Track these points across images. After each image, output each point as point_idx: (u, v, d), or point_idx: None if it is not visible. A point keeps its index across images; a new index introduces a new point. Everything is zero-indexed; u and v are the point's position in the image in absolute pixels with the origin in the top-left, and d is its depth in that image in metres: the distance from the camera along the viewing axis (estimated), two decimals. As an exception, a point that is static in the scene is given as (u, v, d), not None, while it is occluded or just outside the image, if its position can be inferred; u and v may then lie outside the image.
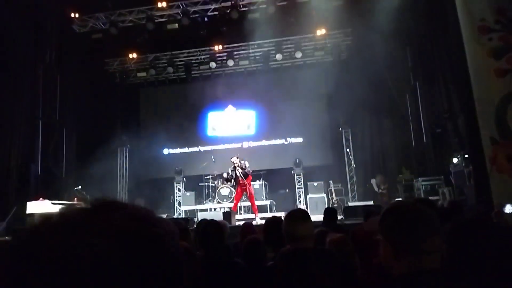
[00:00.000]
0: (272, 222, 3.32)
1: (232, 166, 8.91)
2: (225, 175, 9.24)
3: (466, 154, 7.46)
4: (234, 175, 8.85)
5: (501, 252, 1.48)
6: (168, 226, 0.50)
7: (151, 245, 0.45)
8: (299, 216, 2.42)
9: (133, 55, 12.13)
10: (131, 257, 0.41)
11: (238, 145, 12.11)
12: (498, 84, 6.52)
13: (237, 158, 8.97)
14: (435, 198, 7.99)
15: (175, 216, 10.44)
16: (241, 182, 8.71)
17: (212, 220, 2.93)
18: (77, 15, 10.90)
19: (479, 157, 6.54)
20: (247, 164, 8.93)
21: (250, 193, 8.88)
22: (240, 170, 8.73)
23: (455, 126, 8.41)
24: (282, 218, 3.36)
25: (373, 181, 10.65)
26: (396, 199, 8.47)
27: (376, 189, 10.35)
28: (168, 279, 0.45)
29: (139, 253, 0.42)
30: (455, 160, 8.04)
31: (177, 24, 10.98)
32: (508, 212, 2.87)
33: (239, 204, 9.67)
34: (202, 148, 12.50)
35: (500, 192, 5.96)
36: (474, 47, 6.73)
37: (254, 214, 8.83)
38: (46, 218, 0.44)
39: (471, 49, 6.77)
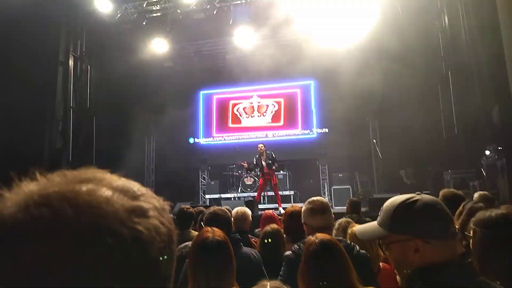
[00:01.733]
0: (292, 212, 3.30)
1: (258, 155, 8.94)
2: (252, 162, 9.18)
3: (499, 146, 7.14)
4: (259, 163, 8.87)
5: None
6: (155, 200, 0.47)
7: (134, 219, 0.42)
8: (317, 207, 2.39)
9: (161, 45, 12.24)
10: (109, 232, 0.39)
11: (263, 135, 12.10)
12: (536, 73, 6.18)
13: (264, 146, 8.98)
14: (465, 191, 7.71)
15: (199, 204, 10.60)
16: (265, 171, 8.73)
17: (220, 208, 2.94)
18: (107, 5, 11.09)
19: (514, 149, 6.25)
20: (273, 155, 8.93)
21: (275, 183, 8.88)
22: (265, 160, 8.74)
23: (488, 116, 8.05)
24: (302, 208, 3.34)
25: (402, 172, 10.39)
26: (424, 192, 8.25)
27: (405, 179, 10.10)
28: (151, 257, 0.42)
29: (118, 227, 0.40)
30: (487, 152, 7.71)
31: (203, 14, 11.01)
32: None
33: (262, 194, 9.70)
34: (227, 137, 12.56)
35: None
36: None
37: (277, 204, 8.85)
38: None
39: (508, 36, 6.43)
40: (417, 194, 1.20)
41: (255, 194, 9.60)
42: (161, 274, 0.44)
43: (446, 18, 10.15)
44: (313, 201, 2.46)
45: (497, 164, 7.17)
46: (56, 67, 10.10)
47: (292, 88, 12.63)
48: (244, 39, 11.53)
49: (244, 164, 9.38)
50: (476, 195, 3.92)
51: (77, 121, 11.04)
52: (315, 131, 12.11)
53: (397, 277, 1.21)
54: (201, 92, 13.29)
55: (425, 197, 1.18)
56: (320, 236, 1.79)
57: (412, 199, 1.16)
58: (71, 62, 10.92)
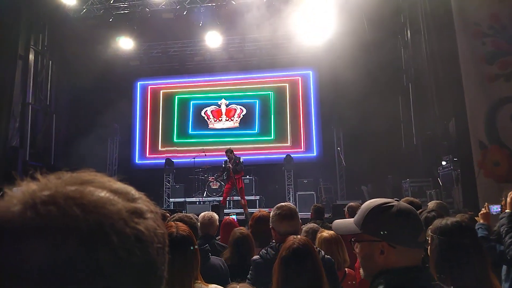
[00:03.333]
0: (259, 217, 3.32)
1: (225, 160, 8.95)
2: (223, 164, 9.17)
3: (455, 157, 7.54)
4: (226, 168, 8.88)
5: (480, 252, 1.52)
6: (150, 203, 0.49)
7: (133, 220, 0.43)
8: (286, 213, 2.42)
9: (127, 43, 11.98)
10: (112, 232, 0.41)
11: (229, 139, 12.10)
12: (489, 89, 6.59)
13: (231, 153, 8.98)
14: (422, 199, 8.07)
15: (163, 208, 10.40)
16: (232, 176, 8.74)
17: (186, 214, 2.92)
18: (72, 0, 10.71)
19: (468, 160, 6.61)
20: (240, 160, 8.97)
21: (240, 187, 8.90)
22: (232, 166, 8.74)
23: (445, 129, 8.48)
24: (268, 213, 3.37)
25: (364, 188, 10.68)
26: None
27: (366, 197, 10.35)
28: (149, 257, 0.44)
29: (120, 228, 0.42)
30: (443, 162, 8.12)
31: (172, 14, 10.89)
32: (494, 214, 2.91)
33: (228, 199, 9.68)
34: (194, 141, 12.45)
35: (487, 196, 6.04)
36: (468, 51, 6.79)
37: (243, 209, 8.86)
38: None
39: (464, 52, 6.82)
40: (396, 200, 1.25)
41: (221, 198, 9.56)
42: (157, 274, 0.45)
43: (409, 33, 10.63)
44: (282, 206, 2.48)
45: (452, 174, 7.57)
46: (14, 60, 9.60)
47: (252, 98, 12.72)
48: (213, 41, 11.52)
49: (212, 178, 9.43)
50: (431, 204, 4.11)
51: (35, 118, 10.54)
52: (281, 137, 12.27)
53: (361, 270, 1.28)
54: (161, 91, 13.13)
55: (402, 204, 1.22)
56: (299, 238, 1.83)
57: (388, 204, 1.22)
58: (31, 57, 10.43)
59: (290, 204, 2.59)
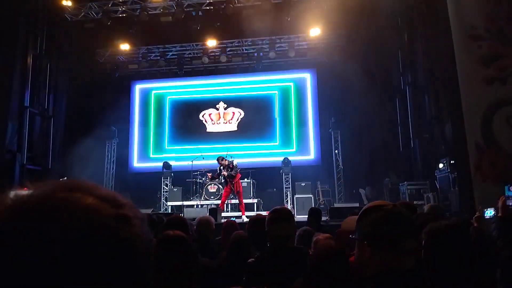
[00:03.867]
0: (256, 220, 3.32)
1: (219, 167, 8.96)
2: (214, 173, 9.22)
3: (452, 160, 7.55)
4: (221, 173, 8.91)
5: (474, 255, 1.51)
6: (136, 210, 0.49)
7: (119, 226, 0.44)
8: (282, 216, 2.42)
9: (125, 47, 12.00)
10: (99, 238, 0.42)
11: (227, 143, 12.09)
12: (486, 92, 6.61)
13: (223, 159, 8.97)
14: (419, 202, 8.08)
15: (161, 212, 10.39)
16: (228, 181, 8.77)
17: (178, 216, 2.93)
18: (69, 3, 10.71)
19: (464, 163, 6.62)
20: (235, 163, 8.95)
21: (238, 192, 8.90)
22: (225, 173, 8.74)
23: (442, 131, 8.51)
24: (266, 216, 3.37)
25: (362, 191, 10.68)
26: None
27: (364, 200, 10.35)
28: (135, 263, 0.44)
29: (107, 234, 0.43)
30: (440, 165, 8.14)
31: (171, 17, 10.91)
32: (487, 217, 2.91)
33: (226, 202, 9.67)
34: (192, 144, 12.44)
35: (483, 198, 6.05)
36: (464, 54, 6.82)
37: (240, 212, 8.85)
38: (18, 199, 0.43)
39: (461, 55, 6.85)
40: (393, 204, 1.25)
41: (219, 202, 9.55)
42: (145, 280, 0.46)
43: (406, 35, 10.67)
44: (277, 210, 2.49)
45: (449, 177, 7.58)
46: (12, 64, 9.60)
47: (250, 101, 12.71)
48: (211, 45, 11.55)
49: (209, 174, 9.41)
50: (427, 207, 4.13)
51: (33, 122, 10.52)
52: (279, 140, 12.28)
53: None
54: (159, 94, 13.12)
55: (393, 209, 1.23)
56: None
57: (379, 206, 1.23)
58: (29, 60, 10.42)
59: (285, 207, 2.60)
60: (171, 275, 1.65)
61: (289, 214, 2.48)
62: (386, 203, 1.25)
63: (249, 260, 2.37)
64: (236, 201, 9.46)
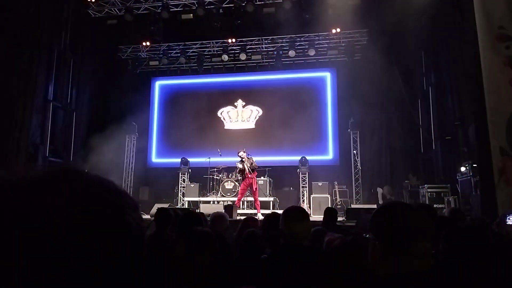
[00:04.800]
0: (271, 218, 3.30)
1: (240, 160, 8.97)
2: (239, 165, 9.11)
3: (474, 164, 7.34)
4: (242, 168, 8.92)
5: (491, 260, 1.46)
6: (130, 198, 0.49)
7: (110, 214, 0.44)
8: (295, 216, 2.35)
9: (147, 43, 12.16)
10: (90, 225, 0.41)
11: (245, 140, 12.10)
12: (512, 95, 6.40)
13: (244, 152, 9.02)
14: (439, 206, 7.90)
15: (177, 207, 10.49)
16: (248, 176, 8.77)
17: (193, 210, 2.94)
18: (93, 0, 10.93)
19: (487, 167, 6.43)
20: (254, 160, 9.02)
21: (255, 188, 8.91)
22: (248, 165, 8.80)
23: (465, 134, 8.28)
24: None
25: (379, 190, 10.52)
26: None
27: (380, 199, 10.20)
28: (125, 252, 0.44)
29: (98, 221, 0.42)
30: (462, 169, 7.93)
31: (192, 15, 10.99)
32: (509, 223, 2.81)
33: (242, 199, 9.70)
34: (210, 141, 12.49)
35: (507, 203, 5.87)
36: (490, 55, 6.61)
37: (256, 210, 8.85)
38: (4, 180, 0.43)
39: (487, 56, 6.65)
40: (410, 205, 1.20)
41: (235, 199, 9.58)
42: (131, 269, 0.45)
43: (430, 35, 10.41)
44: (292, 209, 2.44)
45: (471, 181, 7.38)
46: (38, 58, 9.85)
47: (270, 99, 12.65)
48: (231, 43, 11.57)
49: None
50: (447, 210, 4.03)
51: (56, 115, 10.79)
52: (297, 139, 12.18)
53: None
54: (178, 91, 13.22)
55: (409, 211, 1.18)
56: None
57: (394, 207, 1.19)
58: (54, 55, 10.68)
59: (301, 207, 2.56)
60: (196, 270, 1.67)
61: (304, 214, 2.43)
62: (401, 204, 1.21)
63: (262, 257, 2.35)
64: (252, 198, 9.47)
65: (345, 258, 1.63)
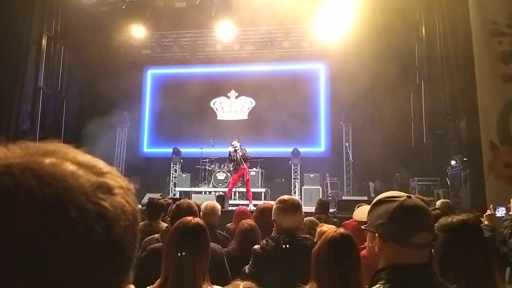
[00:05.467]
0: (263, 209, 3.31)
1: (233, 149, 8.95)
2: (231, 149, 9.12)
3: (465, 157, 7.43)
4: (234, 158, 8.89)
5: (487, 252, 1.49)
6: (120, 179, 0.46)
7: (100, 195, 0.41)
8: (289, 207, 2.35)
9: (139, 31, 11.98)
10: (76, 208, 0.38)
11: (237, 131, 12.07)
12: (504, 89, 6.46)
13: (238, 142, 9.01)
14: (429, 198, 8.00)
15: (169, 196, 10.46)
16: (241, 166, 8.77)
17: (186, 200, 2.91)
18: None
19: (477, 161, 6.52)
20: (247, 150, 9.01)
21: (247, 179, 8.92)
22: (240, 154, 8.79)
23: (456, 128, 8.36)
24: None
25: (371, 184, 10.61)
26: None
27: (372, 193, 10.28)
28: (116, 235, 0.41)
29: (85, 203, 0.39)
30: (453, 162, 8.02)
31: (185, 3, 10.84)
32: (499, 216, 2.86)
33: (234, 190, 9.70)
34: (203, 131, 12.43)
35: (495, 197, 5.96)
36: (483, 50, 6.65)
37: (248, 201, 8.88)
38: None
39: (479, 51, 6.69)
40: (408, 196, 1.19)
41: (227, 189, 9.59)
42: (124, 253, 0.43)
43: (424, 30, 10.45)
44: (285, 200, 2.42)
45: (461, 175, 7.47)
46: (28, 45, 9.67)
47: (262, 90, 12.61)
48: (225, 32, 11.46)
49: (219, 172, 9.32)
50: (438, 202, 4.08)
51: (46, 103, 10.64)
52: (289, 130, 12.19)
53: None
54: (170, 81, 13.11)
55: (408, 201, 1.16)
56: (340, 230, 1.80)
57: (393, 198, 1.18)
58: (44, 42, 10.49)
59: (293, 197, 2.54)
60: (187, 261, 1.66)
61: (297, 205, 2.43)
62: (400, 194, 1.20)
63: (255, 247, 2.36)
64: (244, 189, 9.48)
65: (342, 249, 1.63)
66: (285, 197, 2.46)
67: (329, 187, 10.56)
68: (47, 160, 0.41)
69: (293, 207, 2.36)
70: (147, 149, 13.03)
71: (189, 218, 1.87)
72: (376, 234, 1.14)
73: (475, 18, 6.81)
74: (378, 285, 1.10)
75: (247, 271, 2.28)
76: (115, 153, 12.31)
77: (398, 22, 9.63)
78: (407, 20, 10.40)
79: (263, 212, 3.20)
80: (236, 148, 8.90)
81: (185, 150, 12.01)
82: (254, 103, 12.60)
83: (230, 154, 9.08)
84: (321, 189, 10.42)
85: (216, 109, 12.81)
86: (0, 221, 0.35)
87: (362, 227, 1.25)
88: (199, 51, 12.92)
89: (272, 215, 2.46)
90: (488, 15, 6.69)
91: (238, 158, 8.73)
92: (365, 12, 9.86)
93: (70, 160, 0.43)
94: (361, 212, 1.34)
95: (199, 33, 12.50)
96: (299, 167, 11.30)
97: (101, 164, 0.46)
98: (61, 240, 0.37)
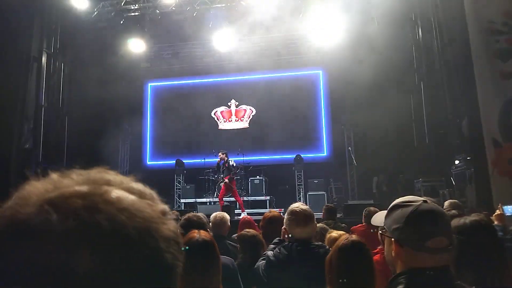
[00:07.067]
0: (269, 218, 3.29)
1: (219, 160, 9.05)
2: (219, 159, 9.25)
3: (468, 156, 7.42)
4: (220, 170, 8.99)
5: (502, 253, 1.48)
6: (161, 202, 0.46)
7: (168, 221, 0.42)
8: (300, 219, 2.26)
9: (138, 45, 12.05)
10: (162, 236, 0.40)
11: (239, 139, 12.09)
12: (503, 87, 6.48)
13: (223, 154, 9.06)
14: (435, 199, 7.97)
15: (174, 209, 10.44)
16: (224, 177, 8.87)
17: (195, 214, 2.90)
18: (83, 3, 10.82)
19: (481, 159, 6.51)
20: (231, 163, 9.12)
21: (234, 190, 9.00)
22: (226, 165, 8.86)
23: (458, 127, 8.36)
24: (280, 214, 3.34)
25: (375, 179, 10.60)
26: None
27: (374, 188, 10.28)
28: (175, 259, 0.43)
29: (167, 231, 0.41)
30: (456, 161, 8.00)
31: (182, 15, 10.94)
32: (508, 215, 2.85)
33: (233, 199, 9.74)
34: (205, 141, 12.46)
35: (501, 194, 5.94)
36: (481, 48, 6.68)
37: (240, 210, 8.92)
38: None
39: (477, 50, 6.72)
40: (424, 200, 1.19)
41: (231, 198, 9.58)
42: (177, 272, 0.44)
43: (420, 31, 10.51)
44: (296, 212, 2.29)
45: (465, 174, 7.45)
46: (28, 63, 9.74)
47: (263, 98, 12.66)
48: (222, 42, 11.53)
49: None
50: (446, 203, 4.06)
51: (48, 120, 10.69)
52: (291, 137, 12.21)
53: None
54: (171, 93, 13.16)
55: (424, 206, 1.16)
56: (352, 237, 1.79)
57: (409, 203, 1.18)
58: (44, 59, 10.58)
59: (305, 208, 2.36)
60: (197, 278, 1.65)
61: (309, 217, 2.30)
62: (416, 199, 1.20)
63: (268, 253, 2.33)
64: (253, 197, 9.52)
65: (354, 257, 1.63)
66: (297, 208, 2.32)
67: (333, 192, 10.53)
68: (118, 192, 0.41)
69: (305, 219, 2.25)
70: (150, 161, 13.04)
71: (195, 233, 1.82)
72: (393, 239, 1.15)
73: (471, 17, 6.86)
74: None
75: (262, 274, 2.26)
76: (118, 167, 12.32)
77: (394, 23, 9.69)
78: (404, 21, 10.47)
79: (270, 221, 3.17)
80: (223, 159, 8.99)
81: (188, 161, 12.02)
82: (254, 111, 12.63)
83: (218, 165, 9.15)
84: (326, 194, 10.39)
85: (217, 118, 12.85)
86: (90, 254, 0.36)
87: (379, 232, 1.25)
88: (198, 62, 12.98)
89: (284, 225, 2.40)
90: (483, 14, 6.73)
91: (223, 171, 8.87)
92: (361, 16, 9.94)
93: (125, 189, 0.43)
94: (379, 217, 1.33)
95: (197, 45, 12.57)
96: (302, 173, 11.28)
97: (147, 190, 0.46)
98: (155, 269, 0.39)
